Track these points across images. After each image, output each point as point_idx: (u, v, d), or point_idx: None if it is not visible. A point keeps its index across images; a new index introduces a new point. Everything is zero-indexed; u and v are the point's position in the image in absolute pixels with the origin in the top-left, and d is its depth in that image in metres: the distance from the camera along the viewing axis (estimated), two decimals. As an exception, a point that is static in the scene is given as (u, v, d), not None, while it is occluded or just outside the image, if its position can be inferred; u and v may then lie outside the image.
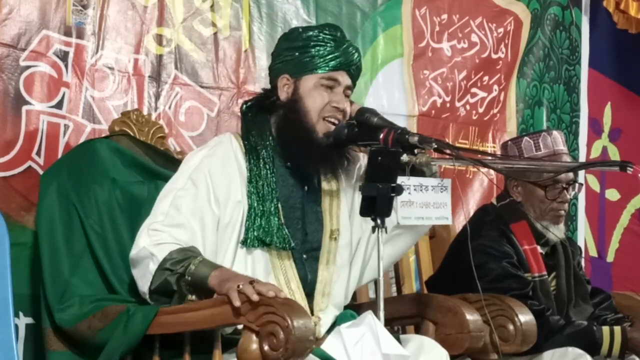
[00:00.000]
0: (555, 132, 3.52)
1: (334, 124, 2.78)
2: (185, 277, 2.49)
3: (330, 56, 2.77)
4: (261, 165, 2.74)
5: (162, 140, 3.12)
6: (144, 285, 2.57)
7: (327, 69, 2.77)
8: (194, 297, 2.54)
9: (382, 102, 4.20)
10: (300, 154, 2.77)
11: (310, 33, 2.80)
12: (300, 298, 2.70)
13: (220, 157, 2.75)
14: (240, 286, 2.37)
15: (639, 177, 2.60)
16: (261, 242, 2.69)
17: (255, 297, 2.34)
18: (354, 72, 2.83)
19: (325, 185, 2.87)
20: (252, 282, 2.39)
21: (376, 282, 2.61)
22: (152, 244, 2.56)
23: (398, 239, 2.92)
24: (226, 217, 2.68)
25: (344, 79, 2.80)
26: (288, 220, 2.75)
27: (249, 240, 2.69)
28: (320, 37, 2.78)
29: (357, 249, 2.90)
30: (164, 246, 2.55)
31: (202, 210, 2.65)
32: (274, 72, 2.86)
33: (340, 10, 4.07)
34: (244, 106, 2.88)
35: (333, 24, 2.93)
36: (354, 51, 2.83)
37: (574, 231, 5.13)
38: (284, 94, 2.81)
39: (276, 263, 2.73)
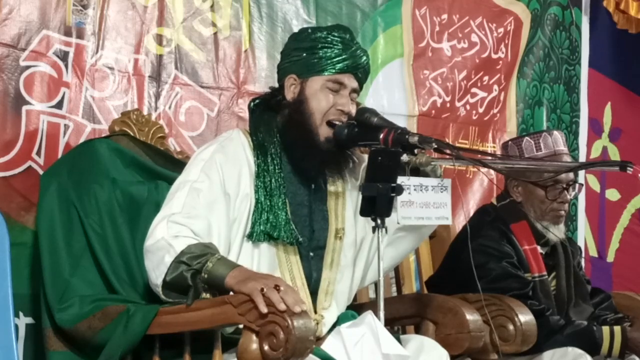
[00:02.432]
0: (555, 132, 3.53)
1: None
2: (201, 274, 2.45)
3: (337, 58, 2.76)
4: (269, 161, 2.74)
5: (162, 140, 3.12)
6: (157, 277, 2.51)
7: (333, 71, 2.76)
8: (208, 295, 2.51)
9: (382, 102, 4.20)
10: (303, 155, 2.78)
11: (319, 34, 2.79)
12: (304, 296, 2.69)
13: (230, 151, 2.74)
14: (265, 290, 2.34)
15: (639, 177, 2.60)
16: (268, 236, 2.68)
17: (282, 307, 2.30)
18: (361, 75, 2.83)
19: (330, 185, 2.86)
20: (276, 286, 2.35)
21: (376, 283, 2.61)
22: (171, 235, 2.52)
23: (401, 241, 2.93)
24: (235, 211, 2.68)
25: (351, 81, 2.79)
26: (295, 217, 2.75)
27: (255, 235, 2.68)
28: (329, 39, 2.77)
29: (360, 249, 2.90)
30: (182, 239, 2.51)
31: (217, 203, 2.64)
32: (281, 72, 2.86)
33: (340, 10, 4.07)
34: (252, 104, 2.88)
35: (343, 26, 2.91)
36: (362, 54, 2.82)
37: (574, 231, 5.13)
38: (290, 94, 2.80)
39: (282, 258, 2.72)
